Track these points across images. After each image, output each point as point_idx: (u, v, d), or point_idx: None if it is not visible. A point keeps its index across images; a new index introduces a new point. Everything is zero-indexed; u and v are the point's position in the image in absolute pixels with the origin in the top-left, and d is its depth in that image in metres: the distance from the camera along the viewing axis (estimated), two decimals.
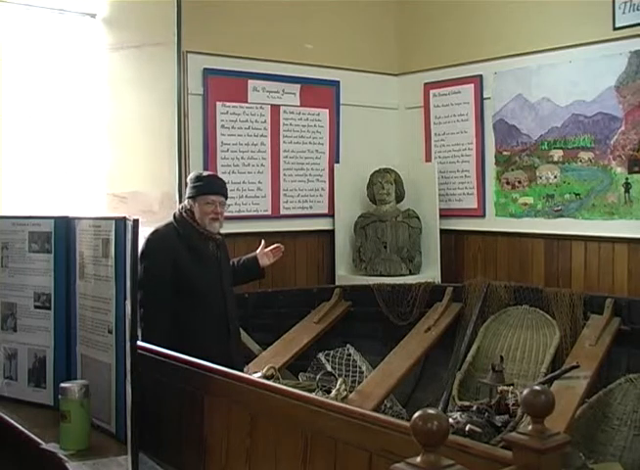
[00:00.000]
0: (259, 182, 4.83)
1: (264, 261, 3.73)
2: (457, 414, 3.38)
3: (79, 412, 2.21)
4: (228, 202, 4.64)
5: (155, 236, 3.28)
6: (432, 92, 5.23)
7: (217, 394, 2.13)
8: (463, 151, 5.07)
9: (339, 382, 3.70)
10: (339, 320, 4.56)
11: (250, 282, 3.97)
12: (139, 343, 2.20)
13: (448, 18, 5.10)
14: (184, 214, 3.35)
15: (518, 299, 4.35)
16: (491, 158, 4.91)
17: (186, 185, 3.55)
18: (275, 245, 3.77)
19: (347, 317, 4.62)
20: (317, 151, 5.10)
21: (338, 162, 5.16)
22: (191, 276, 3.28)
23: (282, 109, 4.91)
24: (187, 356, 2.29)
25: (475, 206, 5.01)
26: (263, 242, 3.78)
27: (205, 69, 4.54)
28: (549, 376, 3.73)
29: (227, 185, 4.71)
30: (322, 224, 5.16)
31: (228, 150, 4.68)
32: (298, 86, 4.95)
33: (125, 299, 2.17)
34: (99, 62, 4.46)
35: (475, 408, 3.45)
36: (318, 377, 3.85)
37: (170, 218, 3.39)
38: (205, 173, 3.62)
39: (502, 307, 4.38)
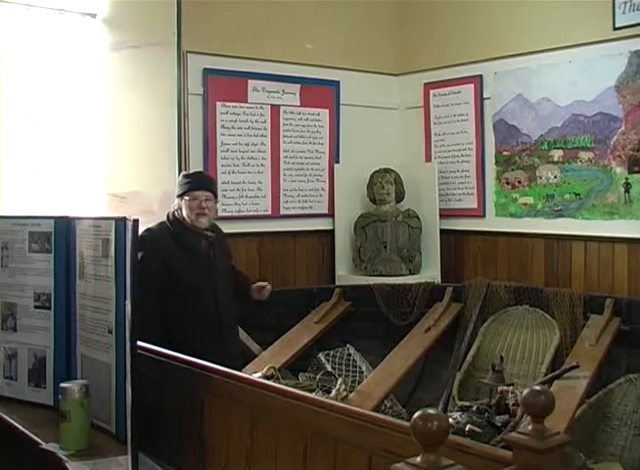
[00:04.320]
0: (259, 182, 4.83)
1: (253, 297, 3.77)
2: (457, 414, 3.38)
3: (79, 412, 2.21)
4: (228, 202, 4.68)
5: (146, 234, 3.32)
6: (432, 92, 5.23)
7: (217, 394, 2.13)
8: (463, 151, 5.07)
9: (339, 382, 3.70)
10: (339, 320, 4.55)
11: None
12: (139, 343, 2.20)
13: (448, 18, 5.10)
14: (175, 214, 3.42)
15: (518, 299, 4.35)
16: (491, 158, 4.91)
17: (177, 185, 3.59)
18: (263, 284, 3.76)
19: (347, 317, 4.61)
20: (317, 151, 5.10)
21: (338, 162, 5.16)
22: (180, 274, 3.33)
23: (282, 109, 4.91)
24: (187, 357, 2.29)
25: (475, 206, 5.01)
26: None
27: (205, 69, 4.54)
28: (549, 376, 3.73)
29: (227, 185, 4.73)
30: (322, 224, 5.16)
31: (228, 150, 4.68)
32: (298, 86, 4.95)
33: (125, 299, 2.17)
34: (99, 62, 4.46)
35: (475, 408, 3.45)
36: (318, 377, 3.84)
37: (164, 218, 3.46)
38: (192, 171, 3.72)
39: (502, 308, 4.37)
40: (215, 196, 3.54)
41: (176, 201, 3.46)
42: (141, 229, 2.18)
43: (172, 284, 3.31)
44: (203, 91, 4.55)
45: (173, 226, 3.39)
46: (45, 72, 4.35)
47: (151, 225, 3.41)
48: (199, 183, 3.46)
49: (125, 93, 4.47)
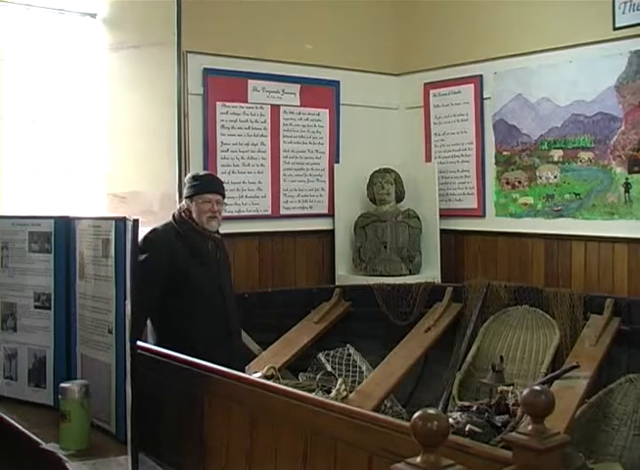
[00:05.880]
0: (259, 182, 4.83)
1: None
2: (457, 414, 3.38)
3: (79, 412, 2.21)
4: (228, 202, 4.67)
5: (153, 234, 3.27)
6: (432, 92, 5.23)
7: (217, 394, 2.13)
8: (463, 151, 5.06)
9: (339, 382, 3.70)
10: (339, 320, 4.56)
11: None
12: (139, 343, 2.20)
13: (448, 18, 5.10)
14: (182, 214, 3.35)
15: (518, 299, 4.36)
16: (491, 158, 4.91)
17: (185, 185, 3.55)
18: None
19: (347, 317, 4.62)
20: (317, 151, 5.09)
21: (338, 162, 5.16)
22: (190, 275, 3.28)
23: (282, 109, 4.90)
24: (187, 356, 2.29)
25: (475, 206, 5.01)
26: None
27: (205, 69, 4.54)
28: (549, 376, 3.73)
29: (227, 185, 4.71)
30: (322, 224, 5.16)
31: (228, 150, 4.68)
32: (298, 86, 4.95)
33: (125, 299, 2.17)
34: (99, 62, 4.46)
35: (475, 408, 3.46)
36: (318, 377, 3.85)
37: (170, 219, 3.39)
38: (202, 173, 3.63)
39: (502, 308, 4.38)
40: (224, 198, 3.49)
41: (184, 202, 3.38)
42: (141, 229, 2.17)
43: (181, 285, 3.26)
44: (203, 91, 4.55)
45: (180, 227, 3.34)
46: (45, 73, 4.35)
47: (155, 226, 3.36)
48: (210, 186, 3.39)
49: (125, 93, 4.47)
